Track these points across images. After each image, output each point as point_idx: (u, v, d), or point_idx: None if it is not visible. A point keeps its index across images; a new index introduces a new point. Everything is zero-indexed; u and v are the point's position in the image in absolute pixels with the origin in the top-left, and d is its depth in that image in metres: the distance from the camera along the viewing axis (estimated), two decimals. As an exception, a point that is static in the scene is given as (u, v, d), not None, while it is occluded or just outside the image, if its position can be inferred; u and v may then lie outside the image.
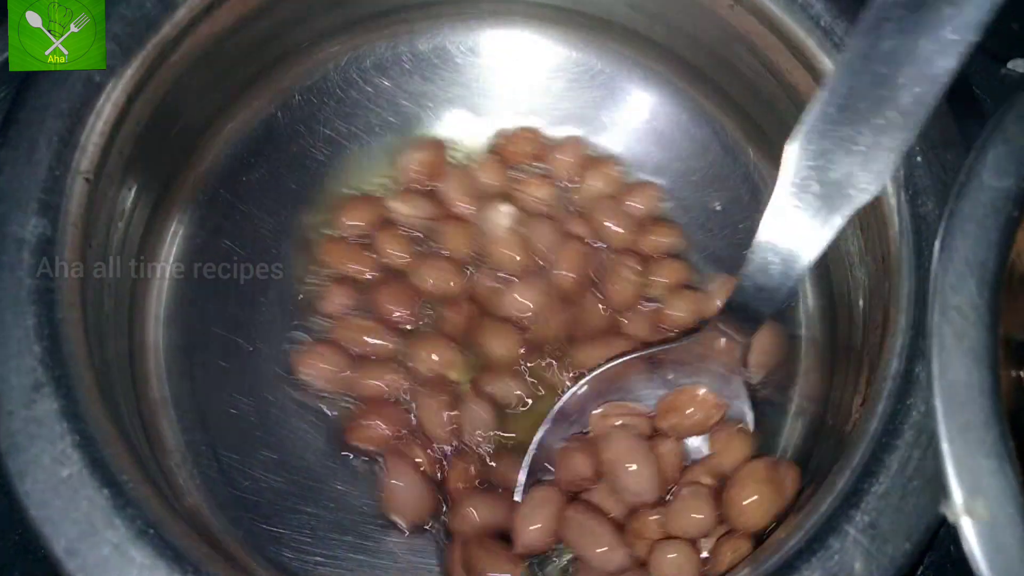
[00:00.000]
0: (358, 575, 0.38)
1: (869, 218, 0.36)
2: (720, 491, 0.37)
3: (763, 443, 0.40)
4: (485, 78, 0.47)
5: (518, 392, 0.41)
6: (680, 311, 0.42)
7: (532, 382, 0.41)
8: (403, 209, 0.44)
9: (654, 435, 0.39)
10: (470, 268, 0.43)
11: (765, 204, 0.43)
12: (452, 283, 0.42)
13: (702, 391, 0.39)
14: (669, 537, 0.36)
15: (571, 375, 0.41)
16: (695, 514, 0.36)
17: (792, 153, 0.32)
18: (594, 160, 0.45)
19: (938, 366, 0.24)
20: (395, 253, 0.43)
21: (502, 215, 0.44)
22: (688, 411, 0.39)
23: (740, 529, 0.36)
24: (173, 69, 0.37)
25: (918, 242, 0.33)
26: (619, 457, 0.37)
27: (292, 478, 0.39)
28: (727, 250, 0.44)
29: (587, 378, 0.39)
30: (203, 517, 0.37)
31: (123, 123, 0.35)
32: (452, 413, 0.40)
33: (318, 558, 0.38)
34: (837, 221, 0.32)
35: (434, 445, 0.40)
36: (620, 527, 0.37)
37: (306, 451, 0.40)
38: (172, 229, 0.42)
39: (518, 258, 0.43)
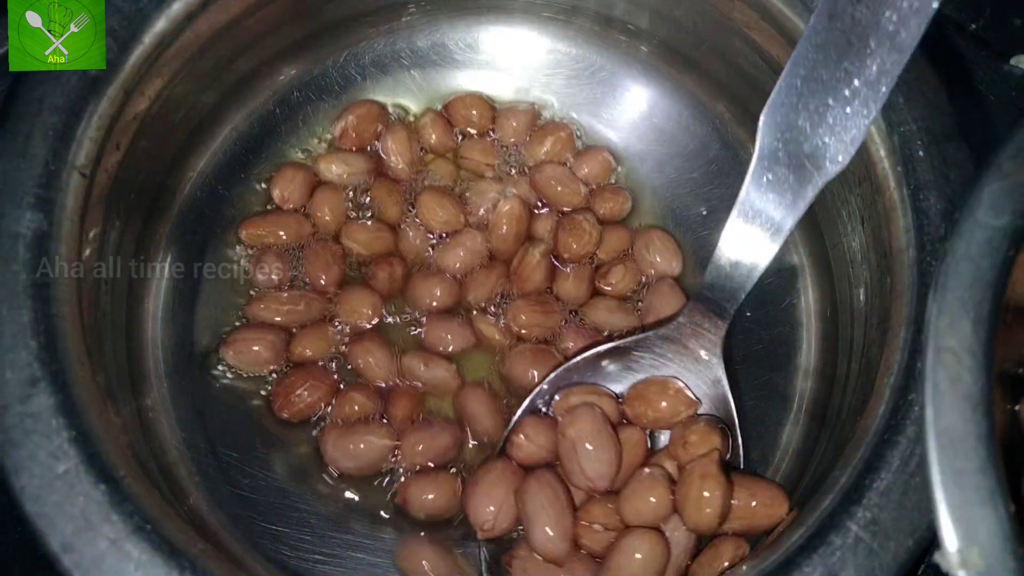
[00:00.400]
0: (357, 573, 0.38)
1: (871, 213, 0.36)
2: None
3: (765, 440, 0.40)
4: (483, 74, 0.46)
5: (450, 335, 0.41)
6: (618, 278, 0.42)
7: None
8: (332, 168, 0.43)
9: (621, 424, 0.38)
10: (403, 227, 0.43)
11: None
12: (381, 243, 0.43)
13: (676, 384, 0.38)
14: (627, 527, 0.35)
15: (514, 331, 0.41)
16: (649, 497, 0.35)
17: (763, 125, 0.32)
18: (545, 126, 0.45)
19: (932, 411, 0.24)
20: (324, 215, 0.43)
21: (438, 174, 0.44)
22: (658, 401, 0.38)
23: (692, 529, 0.35)
24: (169, 64, 0.37)
25: (920, 237, 0.33)
26: (581, 436, 0.36)
27: (291, 476, 0.39)
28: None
29: (563, 366, 0.39)
30: (202, 514, 0.37)
31: (119, 118, 0.35)
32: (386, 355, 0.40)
33: (317, 556, 0.38)
34: (809, 192, 0.32)
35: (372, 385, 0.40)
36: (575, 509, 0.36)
37: (305, 448, 0.40)
38: (169, 227, 0.42)
39: (449, 217, 0.43)
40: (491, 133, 0.46)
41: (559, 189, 0.43)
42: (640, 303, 0.42)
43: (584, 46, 0.46)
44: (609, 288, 0.42)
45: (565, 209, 0.44)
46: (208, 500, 0.38)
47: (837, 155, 0.31)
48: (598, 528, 0.36)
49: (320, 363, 0.41)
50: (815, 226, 0.42)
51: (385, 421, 0.40)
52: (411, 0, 0.45)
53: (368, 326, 0.41)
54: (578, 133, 0.46)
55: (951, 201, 0.33)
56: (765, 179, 0.33)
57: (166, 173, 0.41)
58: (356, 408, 0.39)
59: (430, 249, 0.43)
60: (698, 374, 0.38)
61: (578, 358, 0.39)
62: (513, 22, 0.46)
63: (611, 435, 0.36)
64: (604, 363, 0.39)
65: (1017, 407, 0.28)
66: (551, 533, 0.35)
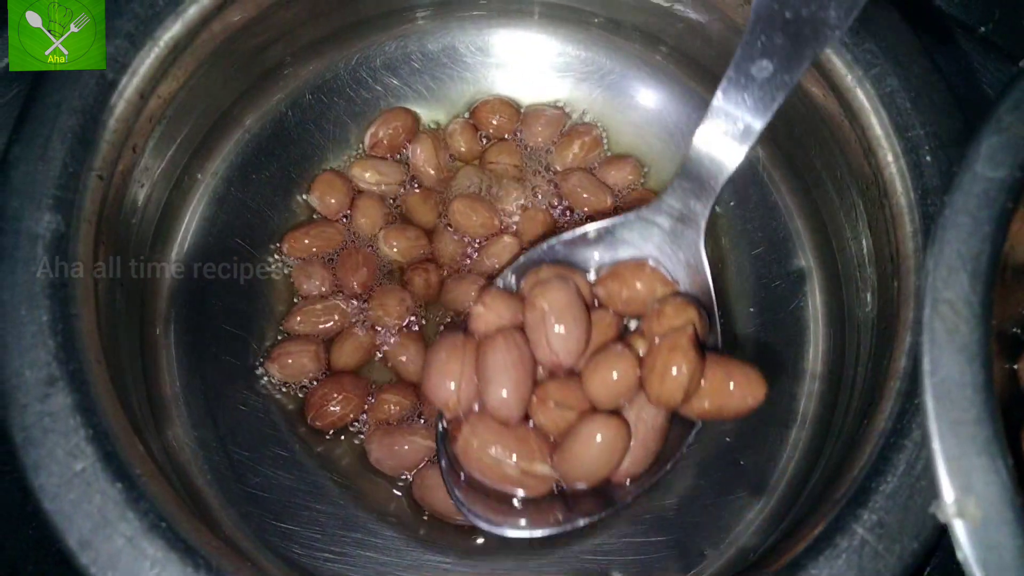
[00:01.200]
0: (366, 571, 0.38)
1: (878, 217, 0.36)
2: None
3: (771, 443, 0.40)
4: (494, 77, 0.47)
5: None
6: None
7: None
8: (366, 176, 0.44)
9: (593, 307, 0.36)
10: (438, 233, 0.44)
11: (774, 203, 0.44)
12: (417, 249, 0.44)
13: (651, 264, 0.36)
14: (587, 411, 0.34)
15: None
16: (614, 371, 0.33)
17: None
18: (572, 129, 0.46)
19: (929, 362, 0.24)
20: (363, 222, 0.44)
21: (467, 180, 0.45)
22: (633, 281, 0.36)
23: (653, 402, 0.33)
24: (185, 67, 0.37)
25: (927, 242, 0.33)
26: (551, 308, 0.34)
27: (301, 475, 0.40)
28: (735, 250, 0.44)
29: (533, 249, 0.38)
30: (213, 512, 0.38)
31: (136, 120, 0.35)
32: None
33: (327, 554, 0.38)
34: (806, 60, 0.31)
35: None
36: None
37: (315, 448, 0.41)
38: (184, 226, 0.42)
39: (484, 221, 0.43)
40: (517, 135, 0.46)
41: (585, 196, 0.44)
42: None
43: (594, 49, 0.47)
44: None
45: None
46: (219, 498, 0.38)
47: (836, 22, 0.30)
48: (553, 406, 0.34)
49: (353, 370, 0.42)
50: (823, 230, 0.42)
51: (423, 420, 0.41)
52: (422, 3, 0.46)
53: (399, 323, 0.42)
54: (605, 136, 0.46)
55: (958, 206, 0.33)
56: (759, 43, 0.31)
57: (181, 175, 0.42)
58: (394, 408, 0.41)
59: (468, 255, 0.44)
60: (677, 259, 0.36)
61: (550, 241, 0.37)
62: (523, 25, 0.47)
63: (583, 311, 0.35)
64: (578, 248, 0.37)
65: (1015, 365, 0.28)
66: (507, 395, 0.33)
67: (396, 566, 0.39)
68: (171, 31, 0.36)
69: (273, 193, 0.44)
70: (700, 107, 0.45)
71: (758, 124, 0.33)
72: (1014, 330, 0.28)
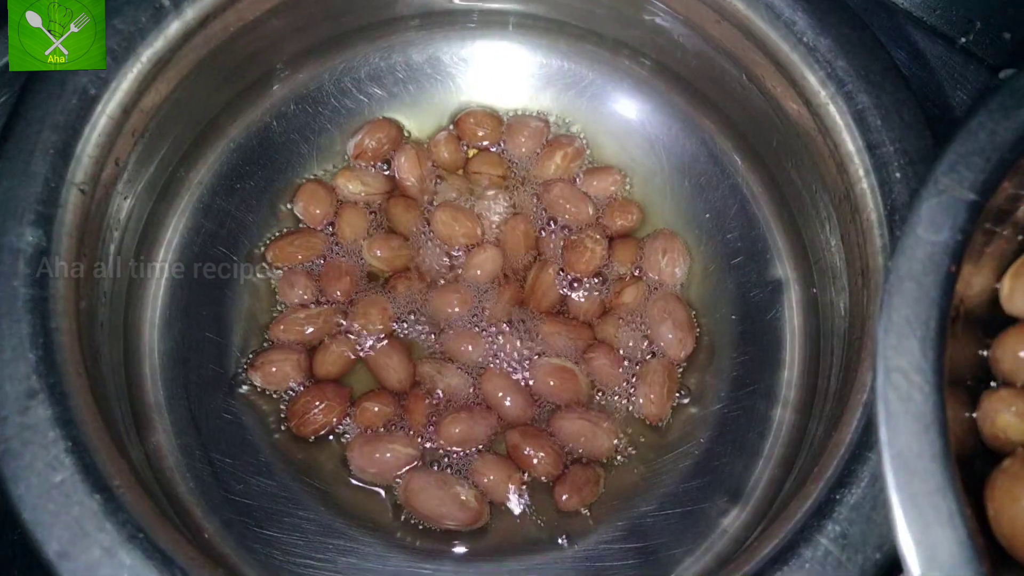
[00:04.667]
0: (347, 577, 0.39)
1: (850, 231, 0.36)
2: None
3: (746, 452, 0.41)
4: (478, 87, 0.47)
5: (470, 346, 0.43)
6: (628, 298, 0.43)
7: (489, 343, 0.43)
8: (350, 186, 0.45)
9: None
10: (421, 242, 0.45)
11: (753, 215, 0.45)
12: (401, 259, 0.44)
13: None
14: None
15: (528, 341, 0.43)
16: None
17: None
18: (554, 140, 0.46)
19: (886, 433, 0.24)
20: (346, 232, 0.44)
21: (451, 190, 0.45)
22: None
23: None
24: (168, 81, 0.38)
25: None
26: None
27: (284, 482, 0.40)
28: (715, 260, 0.45)
29: None
30: (195, 520, 0.38)
31: (118, 135, 0.36)
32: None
33: (308, 561, 0.39)
34: None
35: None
36: None
37: (298, 455, 0.41)
38: (167, 238, 0.43)
39: (466, 231, 0.44)
40: (501, 144, 0.47)
41: (567, 207, 0.45)
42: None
43: (576, 60, 0.47)
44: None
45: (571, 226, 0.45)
46: (202, 506, 0.39)
47: None
48: None
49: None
50: (799, 241, 0.43)
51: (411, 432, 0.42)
52: (407, 15, 0.46)
53: (380, 328, 0.43)
54: (588, 146, 0.47)
55: (926, 222, 0.33)
56: None
57: (164, 186, 0.42)
58: (376, 413, 0.41)
59: (447, 261, 0.45)
60: None
61: None
62: (506, 37, 0.47)
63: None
64: None
65: (974, 414, 0.29)
66: None
67: (378, 572, 0.39)
68: (153, 47, 0.36)
69: (258, 202, 0.45)
70: (681, 119, 0.46)
71: None
72: (967, 382, 0.29)
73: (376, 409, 0.41)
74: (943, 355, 0.25)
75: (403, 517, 0.40)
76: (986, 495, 0.26)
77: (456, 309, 0.43)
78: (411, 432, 0.41)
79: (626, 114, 0.47)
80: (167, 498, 0.37)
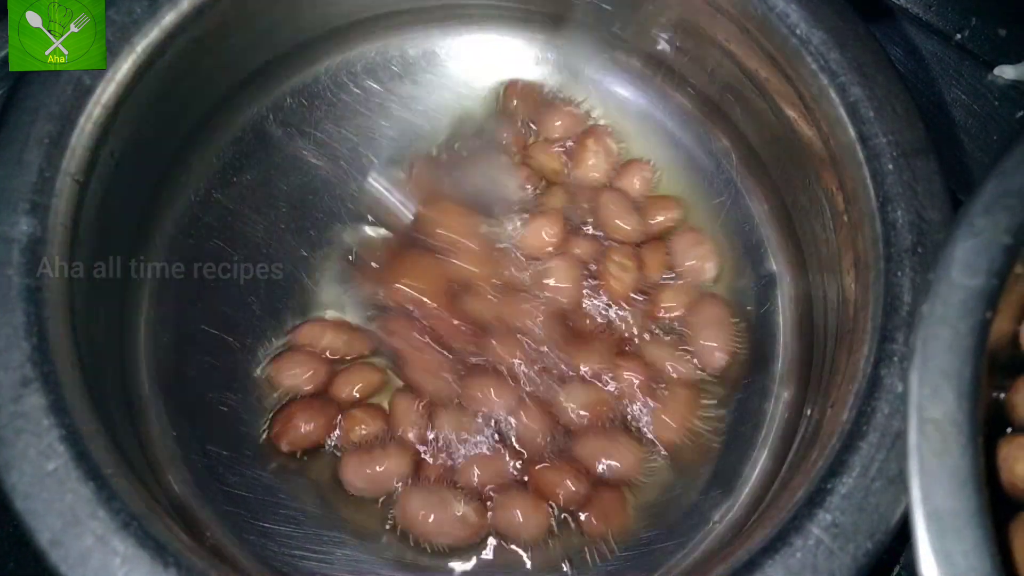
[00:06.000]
0: (342, 568, 0.39)
1: (843, 223, 0.37)
2: None
3: (740, 444, 0.41)
4: (473, 82, 0.47)
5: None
6: (670, 302, 0.42)
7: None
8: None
9: None
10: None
11: (748, 210, 0.45)
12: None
13: None
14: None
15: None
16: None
17: None
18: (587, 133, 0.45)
19: (919, 490, 0.23)
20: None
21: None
22: None
23: None
24: (163, 72, 0.38)
25: (887, 250, 0.33)
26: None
27: (280, 474, 0.40)
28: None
29: None
30: (190, 511, 0.38)
31: (113, 126, 0.36)
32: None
33: (302, 552, 0.39)
34: None
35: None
36: None
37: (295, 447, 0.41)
38: (162, 229, 0.43)
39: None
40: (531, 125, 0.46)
41: (617, 223, 0.43)
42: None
43: (571, 55, 0.47)
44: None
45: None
46: (197, 497, 0.39)
47: None
48: None
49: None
50: (793, 235, 0.43)
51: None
52: (403, 9, 0.46)
53: None
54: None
55: (918, 214, 0.34)
56: None
57: (160, 177, 0.42)
58: (363, 429, 0.40)
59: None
60: None
61: None
62: (501, 31, 0.47)
63: None
64: None
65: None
66: None
67: (374, 563, 0.39)
68: (149, 37, 0.36)
69: (253, 195, 0.45)
70: (674, 113, 0.46)
71: None
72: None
73: (364, 421, 0.40)
74: (979, 407, 0.24)
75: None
76: (1011, 544, 0.25)
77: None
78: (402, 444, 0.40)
79: (621, 109, 0.47)
80: (161, 489, 0.37)
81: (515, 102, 0.46)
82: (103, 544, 0.29)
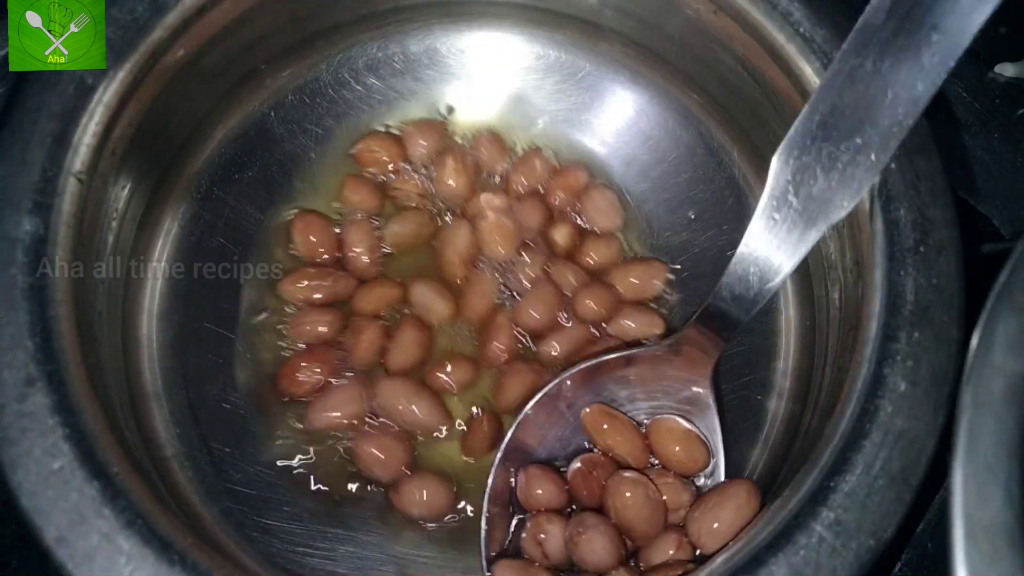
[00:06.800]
0: (347, 566, 0.39)
1: (846, 220, 0.36)
2: None
3: (742, 442, 0.41)
4: (474, 79, 0.47)
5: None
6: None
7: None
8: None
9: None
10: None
11: (749, 207, 0.45)
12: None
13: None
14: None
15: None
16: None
17: (775, 166, 0.33)
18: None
19: None
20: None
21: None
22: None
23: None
24: (165, 71, 0.38)
25: (890, 248, 0.33)
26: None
27: (282, 471, 0.40)
28: (710, 252, 0.45)
29: (564, 375, 0.39)
30: (194, 508, 0.38)
31: (115, 124, 0.36)
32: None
33: (305, 549, 0.39)
34: (813, 235, 0.33)
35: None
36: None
37: (296, 443, 0.41)
38: (165, 227, 0.43)
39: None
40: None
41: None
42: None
43: (573, 52, 0.47)
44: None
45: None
46: (201, 494, 0.39)
47: (843, 201, 0.32)
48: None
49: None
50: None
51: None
52: (404, 6, 0.46)
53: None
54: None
55: (921, 212, 0.34)
56: (772, 219, 0.33)
57: (162, 175, 0.42)
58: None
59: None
60: (687, 398, 0.39)
61: (584, 364, 0.39)
62: (502, 28, 0.47)
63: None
64: (606, 373, 0.40)
65: None
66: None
67: (377, 560, 0.39)
68: (151, 36, 0.36)
69: (256, 192, 0.45)
70: (677, 111, 0.46)
71: (760, 300, 0.35)
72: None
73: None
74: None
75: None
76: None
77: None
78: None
79: (623, 106, 0.47)
80: (165, 486, 0.37)
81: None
82: (109, 542, 0.29)
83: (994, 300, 0.23)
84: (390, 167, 0.45)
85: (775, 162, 0.33)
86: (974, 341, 0.23)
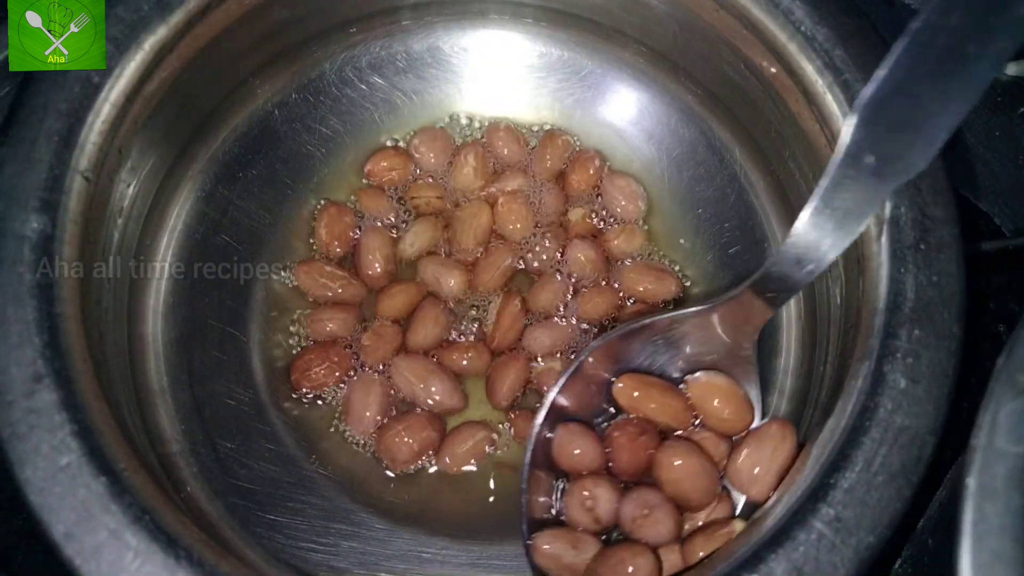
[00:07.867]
0: (349, 560, 0.39)
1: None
2: None
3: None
4: (477, 77, 0.48)
5: None
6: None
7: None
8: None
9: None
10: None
11: (750, 204, 0.45)
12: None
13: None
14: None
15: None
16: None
17: (850, 125, 0.31)
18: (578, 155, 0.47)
19: None
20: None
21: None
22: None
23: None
24: (170, 69, 0.38)
25: (891, 245, 0.34)
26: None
27: (287, 467, 0.41)
28: (712, 249, 0.45)
29: (600, 341, 0.38)
30: (200, 504, 0.39)
31: (121, 122, 0.36)
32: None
33: (311, 544, 0.39)
34: (885, 192, 0.32)
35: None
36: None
37: (302, 440, 0.41)
38: (171, 225, 0.43)
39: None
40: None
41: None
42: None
43: (576, 50, 0.47)
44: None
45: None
46: (206, 490, 0.39)
47: (920, 160, 0.31)
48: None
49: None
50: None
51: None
52: (407, 5, 0.46)
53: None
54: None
55: (922, 210, 0.34)
56: (846, 176, 0.32)
57: (168, 173, 0.42)
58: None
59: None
60: (731, 358, 0.39)
61: (622, 329, 0.38)
62: (505, 26, 0.47)
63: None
64: (645, 338, 0.39)
65: None
66: None
67: (381, 555, 0.40)
68: (156, 35, 0.36)
69: (260, 190, 0.45)
70: (679, 109, 0.46)
71: (826, 260, 0.34)
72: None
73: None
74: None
75: (406, 499, 0.41)
76: None
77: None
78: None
79: (625, 104, 0.47)
80: (171, 482, 0.37)
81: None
82: (116, 537, 0.29)
83: (994, 383, 0.23)
84: (403, 178, 0.47)
85: (852, 120, 0.31)
86: (978, 426, 0.23)
